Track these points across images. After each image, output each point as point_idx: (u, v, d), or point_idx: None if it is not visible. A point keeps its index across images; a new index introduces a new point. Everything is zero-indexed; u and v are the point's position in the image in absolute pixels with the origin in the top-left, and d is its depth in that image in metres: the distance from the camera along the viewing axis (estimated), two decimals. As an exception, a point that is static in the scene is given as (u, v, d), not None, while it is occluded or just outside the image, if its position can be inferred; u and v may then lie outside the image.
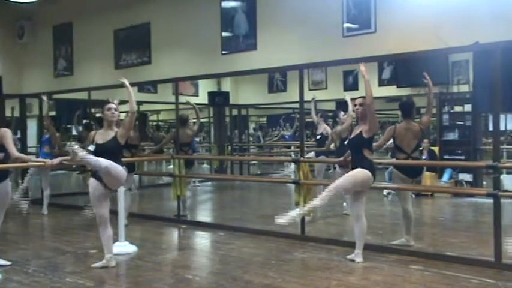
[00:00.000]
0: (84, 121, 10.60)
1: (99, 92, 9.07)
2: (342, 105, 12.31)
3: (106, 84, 8.80)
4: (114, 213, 5.65)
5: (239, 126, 14.57)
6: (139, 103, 12.19)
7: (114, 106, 4.98)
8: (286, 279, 4.56)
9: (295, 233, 6.18)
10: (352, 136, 5.18)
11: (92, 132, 5.16)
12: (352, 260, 5.03)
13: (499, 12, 4.85)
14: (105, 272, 4.84)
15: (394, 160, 5.89)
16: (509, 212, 7.35)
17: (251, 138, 16.41)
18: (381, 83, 11.08)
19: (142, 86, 11.18)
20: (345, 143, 5.59)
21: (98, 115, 8.90)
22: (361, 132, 5.00)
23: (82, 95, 9.21)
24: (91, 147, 4.91)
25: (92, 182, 4.91)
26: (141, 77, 8.42)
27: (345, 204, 7.19)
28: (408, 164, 5.54)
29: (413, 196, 9.01)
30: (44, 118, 8.69)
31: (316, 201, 4.96)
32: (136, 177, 10.99)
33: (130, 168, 6.87)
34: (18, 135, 9.97)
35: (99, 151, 4.84)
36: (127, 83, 5.06)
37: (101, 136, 4.95)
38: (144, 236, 6.62)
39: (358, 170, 4.93)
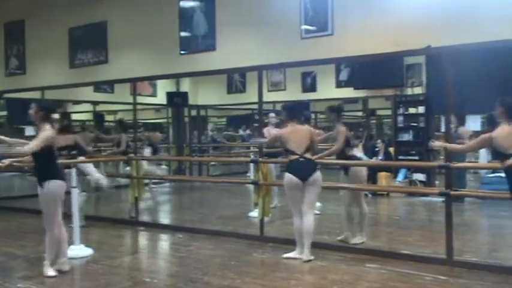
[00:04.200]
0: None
1: (53, 92, 8.83)
2: (301, 105, 12.44)
3: (60, 84, 8.60)
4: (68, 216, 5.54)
5: (198, 127, 14.50)
6: (95, 103, 12.01)
7: (32, 109, 4.80)
8: (245, 280, 4.57)
9: (255, 234, 6.20)
10: None
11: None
12: (300, 258, 5.13)
13: (451, 17, 5.01)
14: (59, 277, 4.72)
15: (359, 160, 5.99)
16: (460, 211, 7.61)
17: (212, 139, 16.31)
18: (338, 84, 11.26)
19: (98, 86, 10.97)
20: None
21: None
22: None
23: (36, 95, 8.94)
24: None
25: (60, 184, 4.72)
26: (98, 77, 8.26)
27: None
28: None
29: (370, 196, 9.24)
30: None
31: None
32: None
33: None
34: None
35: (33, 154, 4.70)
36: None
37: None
38: (101, 238, 6.48)
39: None
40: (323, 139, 6.20)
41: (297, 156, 5.22)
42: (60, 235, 4.80)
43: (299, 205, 5.20)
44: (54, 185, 4.68)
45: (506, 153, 4.08)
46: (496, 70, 6.73)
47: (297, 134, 5.30)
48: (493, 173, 8.24)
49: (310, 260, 5.09)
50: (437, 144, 4.86)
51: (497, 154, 4.22)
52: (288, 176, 5.22)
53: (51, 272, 4.73)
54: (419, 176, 9.63)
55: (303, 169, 5.18)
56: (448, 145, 4.81)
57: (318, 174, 5.21)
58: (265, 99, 6.60)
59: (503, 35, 4.61)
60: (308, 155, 5.26)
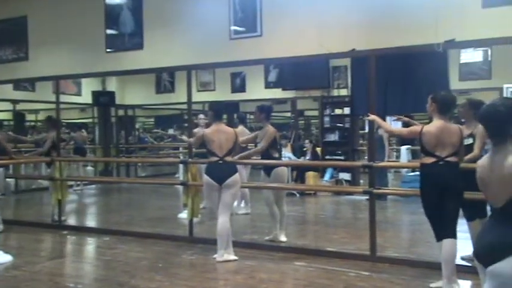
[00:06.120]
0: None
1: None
2: (230, 106, 12.52)
3: (-24, 81, 8.11)
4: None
5: (126, 127, 14.16)
6: (15, 102, 11.42)
7: None
8: (174, 282, 4.52)
9: (184, 235, 6.15)
10: None
11: None
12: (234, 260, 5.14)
13: (374, 21, 5.21)
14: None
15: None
16: (383, 208, 7.93)
17: (139, 138, 16.00)
18: (267, 85, 11.37)
19: (18, 84, 10.46)
20: None
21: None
22: None
23: None
24: None
25: None
26: (17, 74, 7.86)
27: (235, 204, 7.22)
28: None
29: (298, 195, 9.43)
30: None
31: None
32: (12, 180, 10.27)
33: None
34: None
35: None
36: None
37: None
38: (21, 244, 6.19)
39: None
40: (251, 139, 6.23)
41: (216, 159, 5.22)
42: None
43: (217, 206, 5.23)
44: None
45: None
46: (416, 73, 7.05)
47: (220, 135, 5.27)
48: (413, 171, 8.65)
49: (225, 261, 5.07)
50: (372, 116, 4.72)
51: (422, 150, 4.10)
52: (205, 178, 5.23)
53: None
54: (345, 175, 9.96)
55: (220, 172, 5.18)
56: (380, 121, 4.66)
57: (235, 178, 5.20)
58: (194, 99, 6.56)
59: (423, 39, 4.85)
60: (228, 158, 5.27)
